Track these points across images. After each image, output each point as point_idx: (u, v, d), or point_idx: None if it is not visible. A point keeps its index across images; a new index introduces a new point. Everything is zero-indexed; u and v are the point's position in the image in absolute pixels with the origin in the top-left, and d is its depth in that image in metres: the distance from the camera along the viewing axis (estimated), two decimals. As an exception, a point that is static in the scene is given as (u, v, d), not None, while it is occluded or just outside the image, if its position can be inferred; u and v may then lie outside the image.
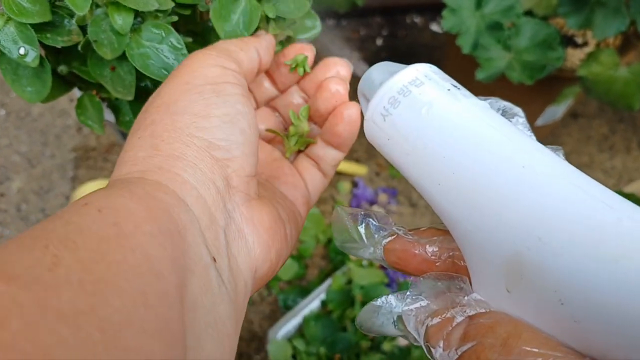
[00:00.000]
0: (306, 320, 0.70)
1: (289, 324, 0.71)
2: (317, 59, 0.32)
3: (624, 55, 0.69)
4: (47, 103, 0.97)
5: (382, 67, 0.21)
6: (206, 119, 0.23)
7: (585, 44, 0.75)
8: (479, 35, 0.65)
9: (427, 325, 0.18)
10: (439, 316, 0.18)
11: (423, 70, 0.20)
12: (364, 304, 0.70)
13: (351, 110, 0.29)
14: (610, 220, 0.14)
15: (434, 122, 0.18)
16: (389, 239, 0.21)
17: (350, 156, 0.94)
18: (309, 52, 0.32)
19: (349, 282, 0.74)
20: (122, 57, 0.29)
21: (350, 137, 0.30)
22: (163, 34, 0.29)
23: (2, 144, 0.91)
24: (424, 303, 0.19)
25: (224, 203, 0.23)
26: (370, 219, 0.22)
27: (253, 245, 0.23)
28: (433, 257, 0.21)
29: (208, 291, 0.19)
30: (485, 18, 0.64)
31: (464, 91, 0.19)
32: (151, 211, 0.18)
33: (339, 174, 0.92)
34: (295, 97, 0.33)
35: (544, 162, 0.16)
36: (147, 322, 0.15)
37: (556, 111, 0.82)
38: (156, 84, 0.32)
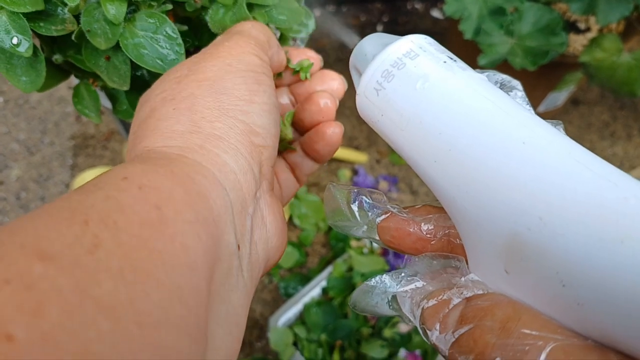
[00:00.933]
0: (307, 308, 0.70)
1: (290, 312, 0.71)
2: (317, 47, 0.32)
3: (627, 41, 0.68)
4: (45, 91, 0.96)
5: (374, 39, 0.20)
6: (249, 104, 0.23)
7: (587, 29, 0.75)
8: (481, 20, 0.64)
9: (422, 308, 0.18)
10: (435, 298, 0.17)
11: (418, 42, 0.19)
12: (364, 291, 0.71)
13: (333, 130, 0.28)
14: (616, 199, 0.14)
15: (430, 96, 0.17)
16: (383, 217, 0.21)
17: (351, 144, 0.93)
18: (316, 61, 0.31)
19: (350, 269, 0.74)
20: (117, 47, 0.28)
21: (329, 155, 0.29)
22: (158, 23, 0.28)
23: (0, 131, 0.90)
24: (419, 284, 0.19)
25: (256, 190, 0.22)
26: (364, 197, 0.21)
27: (271, 233, 0.23)
28: (428, 235, 0.20)
29: (227, 280, 0.19)
30: (488, 3, 0.64)
31: (461, 63, 0.18)
32: (190, 195, 0.18)
33: (340, 162, 0.91)
34: (284, 97, 0.32)
35: (545, 137, 0.15)
36: (181, 319, 0.14)
37: (558, 97, 0.82)
38: (152, 73, 0.31)
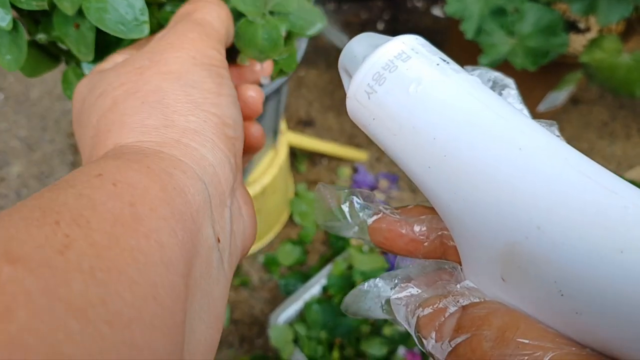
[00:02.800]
0: (307, 305, 0.71)
1: (290, 309, 0.72)
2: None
3: (627, 42, 0.68)
4: (43, 85, 0.96)
5: (364, 39, 0.19)
6: (218, 97, 0.23)
7: (587, 29, 0.75)
8: (482, 20, 0.64)
9: (418, 316, 0.17)
10: (430, 306, 0.17)
11: (409, 43, 0.18)
12: (364, 289, 0.71)
13: (255, 128, 0.28)
14: (615, 208, 0.13)
15: (423, 100, 0.17)
16: (374, 217, 0.20)
17: (351, 141, 0.93)
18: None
19: (350, 267, 0.75)
20: (84, 14, 0.28)
21: (254, 151, 0.29)
22: None
23: (1, 128, 0.90)
24: (414, 291, 0.18)
25: (233, 182, 0.22)
26: (355, 197, 0.21)
27: (247, 223, 0.23)
28: (421, 237, 0.19)
29: (208, 274, 0.19)
30: (489, 3, 0.64)
31: (454, 65, 0.18)
32: (166, 191, 0.17)
33: (340, 160, 0.92)
34: None
35: (542, 144, 0.15)
36: (156, 317, 0.14)
37: (557, 97, 0.82)
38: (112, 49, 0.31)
